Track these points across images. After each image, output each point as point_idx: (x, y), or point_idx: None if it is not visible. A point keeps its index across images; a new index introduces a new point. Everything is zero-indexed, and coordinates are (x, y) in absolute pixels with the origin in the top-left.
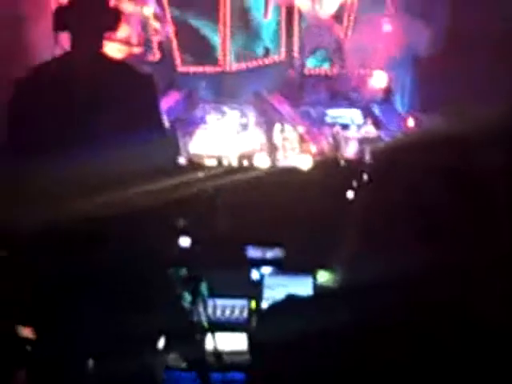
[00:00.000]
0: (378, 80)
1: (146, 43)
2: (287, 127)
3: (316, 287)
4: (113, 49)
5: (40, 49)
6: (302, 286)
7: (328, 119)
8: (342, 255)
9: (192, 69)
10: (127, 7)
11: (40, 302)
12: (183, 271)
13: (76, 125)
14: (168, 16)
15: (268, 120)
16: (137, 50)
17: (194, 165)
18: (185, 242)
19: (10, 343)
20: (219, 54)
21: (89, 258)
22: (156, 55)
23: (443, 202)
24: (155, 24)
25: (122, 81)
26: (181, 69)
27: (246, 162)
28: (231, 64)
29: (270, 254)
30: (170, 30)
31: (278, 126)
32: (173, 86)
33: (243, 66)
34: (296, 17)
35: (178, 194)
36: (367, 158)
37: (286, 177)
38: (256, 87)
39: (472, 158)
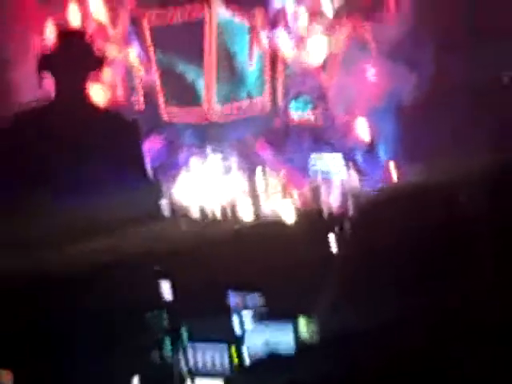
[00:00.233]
0: (361, 128)
1: (130, 87)
2: (269, 172)
3: (296, 336)
4: (97, 92)
5: (23, 91)
6: (283, 333)
7: (311, 165)
8: (322, 303)
9: (176, 112)
10: (111, 51)
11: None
12: (163, 316)
13: (59, 170)
14: (153, 60)
15: (251, 165)
16: (121, 94)
17: (177, 210)
18: (166, 287)
19: None
20: (204, 98)
21: (70, 303)
22: (140, 99)
23: (426, 253)
24: (140, 68)
25: (106, 126)
26: (165, 114)
27: (228, 208)
28: (215, 109)
29: (250, 300)
30: (155, 74)
31: (260, 171)
32: (156, 131)
33: (227, 111)
34: (280, 64)
35: (160, 239)
36: (349, 205)
37: (268, 224)
38: (240, 133)
39: (454, 209)
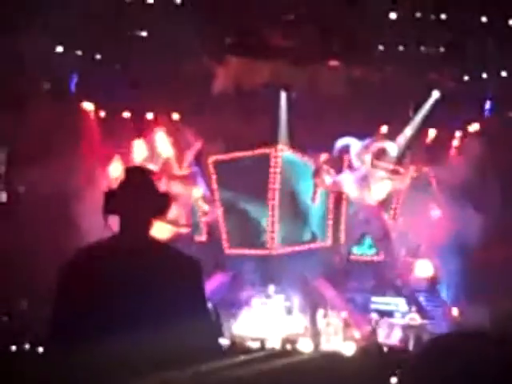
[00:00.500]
0: (424, 269)
1: (194, 224)
2: (331, 312)
3: None
4: (161, 229)
5: (88, 226)
6: None
7: (373, 306)
8: None
9: (238, 251)
10: (177, 188)
11: None
12: None
13: (122, 308)
14: (217, 198)
15: (312, 304)
16: (184, 231)
17: (237, 347)
18: None
19: None
20: (267, 237)
21: None
22: (203, 236)
23: None
24: (204, 205)
25: (169, 266)
26: (228, 251)
27: (289, 346)
28: (278, 248)
29: None
30: (219, 211)
31: (321, 311)
32: (219, 267)
33: (289, 249)
34: (344, 203)
35: (219, 378)
36: (411, 346)
37: (328, 362)
38: (301, 271)
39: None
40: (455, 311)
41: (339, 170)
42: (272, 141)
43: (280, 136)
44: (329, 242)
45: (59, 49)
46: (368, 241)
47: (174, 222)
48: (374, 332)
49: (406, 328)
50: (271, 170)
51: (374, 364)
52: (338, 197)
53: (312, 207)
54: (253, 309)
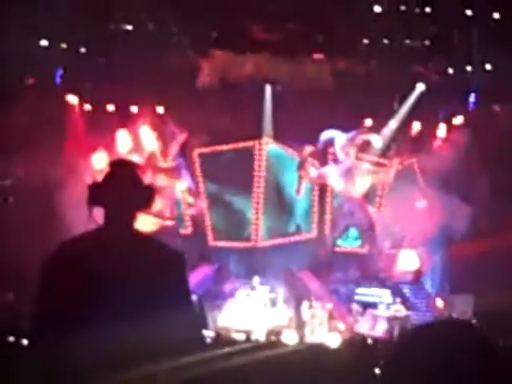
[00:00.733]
0: (408, 260)
1: (179, 217)
2: (316, 304)
3: None
4: (145, 221)
5: (72, 218)
6: None
7: (357, 297)
8: None
9: (223, 243)
10: (161, 181)
11: None
12: None
13: (106, 301)
14: (202, 191)
15: (297, 296)
16: (169, 223)
17: (222, 339)
18: None
19: None
20: (251, 229)
21: None
22: (188, 228)
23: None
24: (188, 198)
25: (153, 259)
26: (212, 243)
27: (273, 338)
28: (263, 240)
29: None
30: (204, 204)
31: (306, 303)
32: (204, 259)
33: (274, 242)
34: (329, 195)
35: (204, 370)
36: (395, 336)
37: (313, 354)
38: (286, 263)
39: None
40: (440, 302)
41: (324, 163)
42: (257, 133)
43: (265, 129)
44: (314, 233)
45: (44, 42)
46: (353, 233)
47: (159, 215)
48: (355, 323)
49: (391, 319)
50: (256, 162)
51: (359, 355)
52: (323, 189)
53: (297, 199)
54: (237, 300)
